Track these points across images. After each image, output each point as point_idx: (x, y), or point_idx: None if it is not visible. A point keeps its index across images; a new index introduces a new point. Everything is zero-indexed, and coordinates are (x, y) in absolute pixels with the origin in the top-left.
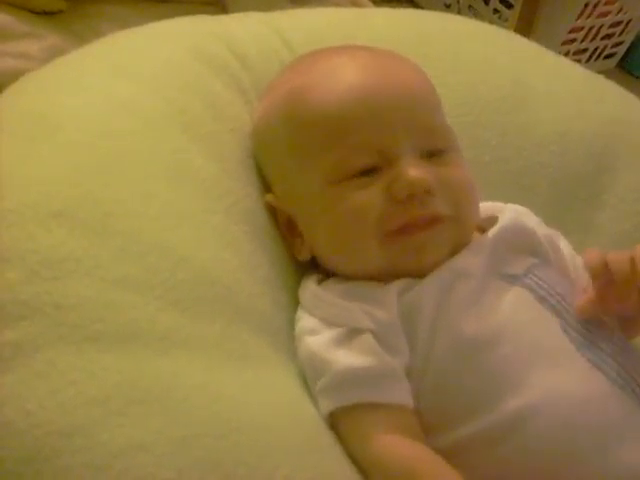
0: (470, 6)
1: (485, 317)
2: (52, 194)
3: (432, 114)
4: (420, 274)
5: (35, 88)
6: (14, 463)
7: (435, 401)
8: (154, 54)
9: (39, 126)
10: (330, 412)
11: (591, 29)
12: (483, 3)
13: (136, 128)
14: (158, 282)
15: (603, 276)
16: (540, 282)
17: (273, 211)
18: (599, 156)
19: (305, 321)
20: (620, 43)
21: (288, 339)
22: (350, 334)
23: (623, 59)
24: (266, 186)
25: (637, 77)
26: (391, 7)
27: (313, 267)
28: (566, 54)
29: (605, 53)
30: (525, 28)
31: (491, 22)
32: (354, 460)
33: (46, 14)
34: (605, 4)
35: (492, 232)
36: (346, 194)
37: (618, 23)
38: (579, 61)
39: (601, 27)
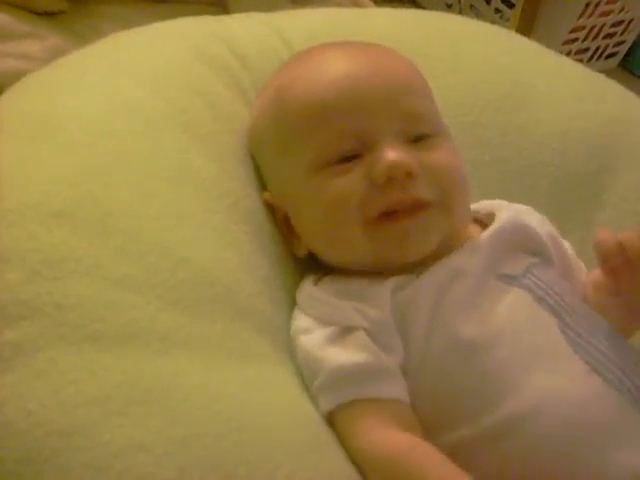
0: (472, 6)
1: (482, 319)
2: (52, 194)
3: (417, 100)
4: (410, 267)
5: (36, 88)
6: (14, 463)
7: (433, 402)
8: (155, 54)
9: (40, 126)
10: (328, 411)
11: (593, 28)
12: (485, 3)
13: (137, 128)
14: (158, 282)
15: (616, 255)
16: (538, 282)
17: (272, 210)
18: (600, 155)
19: (299, 321)
20: (622, 42)
21: (288, 339)
22: (343, 332)
23: (625, 58)
24: (265, 186)
25: (639, 76)
26: (392, 7)
27: (313, 266)
28: (568, 54)
29: (607, 52)
30: (526, 27)
31: (493, 22)
32: (351, 458)
33: (47, 14)
34: (607, 3)
35: (490, 231)
36: (327, 181)
37: (620, 22)
38: (581, 60)
39: (603, 26)
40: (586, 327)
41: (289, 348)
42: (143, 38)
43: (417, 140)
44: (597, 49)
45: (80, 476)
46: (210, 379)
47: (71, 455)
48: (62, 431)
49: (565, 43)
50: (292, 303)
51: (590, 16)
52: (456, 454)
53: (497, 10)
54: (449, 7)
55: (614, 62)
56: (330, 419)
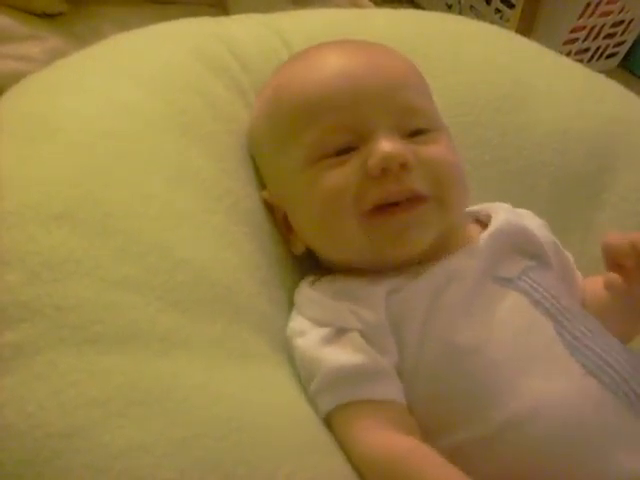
0: (472, 6)
1: (478, 323)
2: (52, 195)
3: (413, 95)
4: (408, 267)
5: (36, 90)
6: (14, 465)
7: (428, 406)
8: (155, 56)
9: (40, 127)
10: (326, 413)
11: (593, 28)
12: (485, 3)
13: (136, 129)
14: (158, 283)
15: (628, 256)
16: (534, 285)
17: (271, 209)
18: (600, 155)
19: (295, 322)
20: (622, 42)
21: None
22: (338, 333)
23: (625, 58)
24: (265, 186)
25: (639, 76)
26: (392, 8)
27: (313, 266)
28: (568, 54)
29: (607, 53)
30: (527, 28)
31: (493, 22)
32: (349, 459)
33: (47, 16)
34: (607, 3)
35: (488, 233)
36: (322, 174)
37: (620, 22)
38: (581, 61)
39: (603, 26)
40: (583, 330)
41: (288, 349)
42: (143, 39)
43: (413, 135)
44: (597, 49)
45: (80, 477)
46: (210, 380)
47: (71, 456)
48: (62, 433)
49: (565, 43)
50: (292, 303)
51: (590, 16)
52: (453, 457)
53: (497, 10)
54: (449, 7)
55: (614, 62)
56: (328, 421)
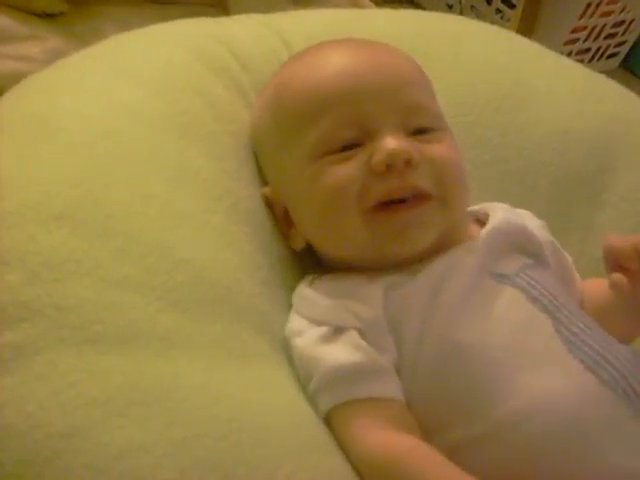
0: (472, 6)
1: (476, 319)
2: (52, 195)
3: (418, 93)
4: (408, 264)
5: (36, 90)
6: (14, 465)
7: (427, 403)
8: (155, 56)
9: (40, 127)
10: (325, 413)
11: (594, 29)
12: (485, 3)
13: (137, 129)
14: (158, 283)
15: (631, 259)
16: (532, 282)
17: (270, 205)
18: (600, 155)
19: (293, 322)
20: (623, 43)
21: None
22: (336, 332)
23: (626, 59)
24: (266, 184)
25: None
26: (392, 8)
27: (313, 266)
28: (569, 54)
29: (608, 53)
30: (527, 28)
31: (493, 22)
32: (348, 459)
33: (47, 16)
34: (608, 3)
35: (485, 231)
36: (327, 168)
37: (621, 22)
38: (582, 61)
39: (604, 27)
40: (581, 326)
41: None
42: (143, 39)
43: (417, 133)
44: (598, 49)
45: (80, 477)
46: (210, 380)
47: (71, 457)
48: (62, 433)
49: (566, 43)
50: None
51: (591, 16)
52: (452, 455)
53: (498, 10)
54: (450, 8)
55: (615, 62)
56: (327, 420)
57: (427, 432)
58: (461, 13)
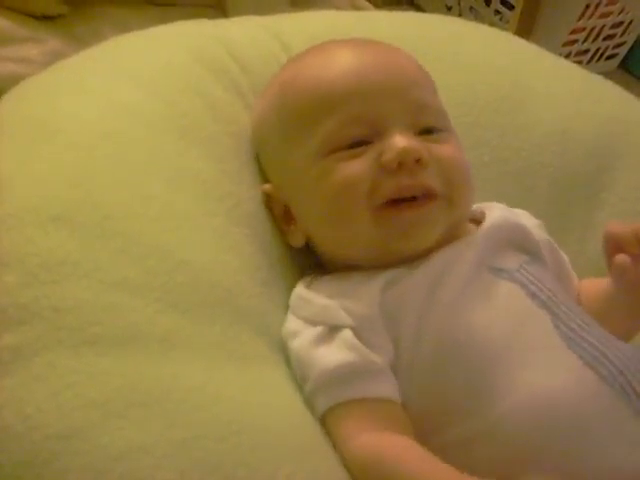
0: (471, 8)
1: (475, 314)
2: (51, 197)
3: (425, 93)
4: (412, 258)
5: (36, 92)
6: (13, 467)
7: (425, 401)
8: (154, 57)
9: (39, 129)
10: (321, 414)
11: (592, 30)
12: (484, 5)
13: (136, 131)
14: (158, 285)
15: (631, 244)
16: (531, 277)
17: (269, 204)
18: (599, 155)
19: (289, 323)
20: (622, 44)
21: None
22: (330, 332)
23: (625, 60)
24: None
25: (639, 78)
26: (392, 10)
27: (313, 266)
28: (568, 55)
29: (607, 54)
30: (526, 29)
31: (492, 23)
32: (342, 461)
33: (46, 18)
34: (606, 5)
35: (483, 227)
36: (337, 165)
37: (620, 24)
38: (581, 62)
39: (603, 28)
40: (579, 322)
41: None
42: (142, 41)
43: (425, 132)
44: (597, 50)
45: (79, 479)
46: (210, 381)
47: (70, 458)
48: (61, 434)
49: (565, 45)
50: None
51: (590, 17)
52: (450, 453)
53: (497, 12)
54: (449, 9)
55: (614, 63)
56: (323, 421)
57: (424, 431)
58: (460, 15)
